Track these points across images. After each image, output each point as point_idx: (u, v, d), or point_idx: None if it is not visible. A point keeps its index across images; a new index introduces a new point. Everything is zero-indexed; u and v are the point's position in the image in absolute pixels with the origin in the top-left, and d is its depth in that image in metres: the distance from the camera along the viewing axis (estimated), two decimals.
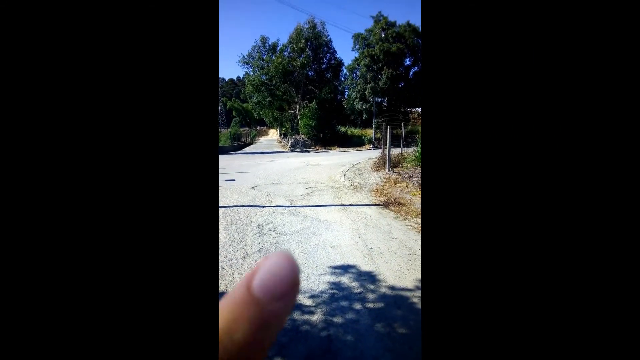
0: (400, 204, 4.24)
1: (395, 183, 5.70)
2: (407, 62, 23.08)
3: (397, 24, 22.43)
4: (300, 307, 1.85)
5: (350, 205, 4.29)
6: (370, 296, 1.97)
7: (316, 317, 1.75)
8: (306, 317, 1.76)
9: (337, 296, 1.97)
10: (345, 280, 2.18)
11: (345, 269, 2.35)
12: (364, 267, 2.37)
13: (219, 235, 3.08)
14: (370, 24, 23.94)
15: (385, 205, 4.25)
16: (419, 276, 2.22)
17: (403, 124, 9.42)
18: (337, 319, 1.74)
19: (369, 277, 2.21)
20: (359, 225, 3.39)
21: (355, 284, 2.13)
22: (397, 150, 8.81)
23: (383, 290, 2.04)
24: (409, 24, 22.40)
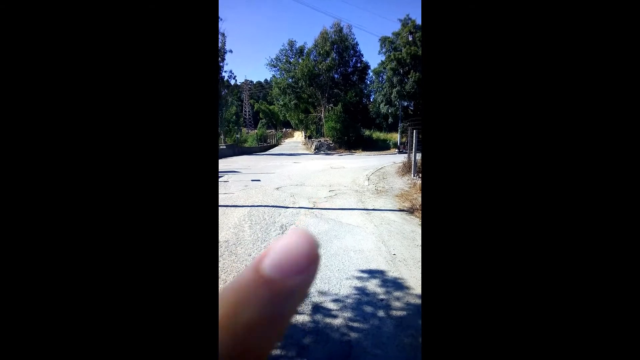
0: None
1: (421, 189, 5.57)
2: None
3: None
4: (322, 310, 1.84)
5: (373, 209, 4.24)
6: (394, 304, 1.93)
7: (338, 322, 1.74)
8: (328, 320, 1.75)
9: (359, 301, 1.95)
10: (368, 285, 2.15)
11: (368, 274, 2.32)
12: (387, 274, 2.33)
13: (244, 233, 3.15)
14: (397, 27, 23.67)
15: (410, 211, 4.16)
16: None
17: (421, 127, 9.19)
18: (359, 325, 1.72)
19: (393, 284, 2.17)
20: (382, 230, 3.34)
21: (378, 290, 2.09)
22: None
23: (407, 298, 1.99)
24: None
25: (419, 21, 21.93)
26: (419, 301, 1.96)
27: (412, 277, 2.28)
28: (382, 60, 24.09)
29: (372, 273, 2.34)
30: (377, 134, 23.07)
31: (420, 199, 4.77)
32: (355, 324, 1.72)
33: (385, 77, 23.42)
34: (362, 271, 2.36)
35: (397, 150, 18.04)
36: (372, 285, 2.16)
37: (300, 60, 22.67)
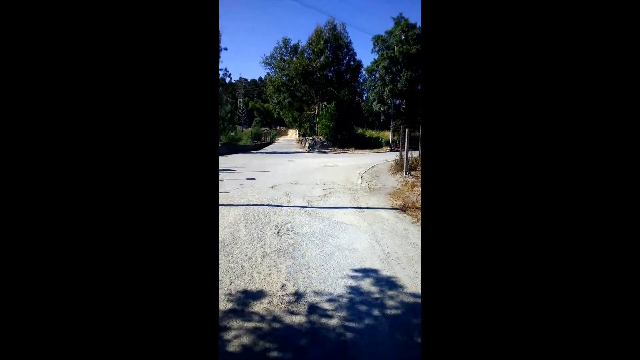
0: (417, 208, 4.18)
1: (413, 187, 5.62)
2: None
3: (418, 26, 22.12)
4: (318, 310, 1.86)
5: (367, 208, 4.27)
6: (388, 302, 1.95)
7: (334, 322, 1.76)
8: (324, 320, 1.77)
9: (354, 301, 1.97)
10: (363, 285, 2.17)
11: (363, 273, 2.34)
12: (382, 273, 2.35)
13: (240, 233, 3.14)
14: (390, 25, 23.70)
15: (403, 209, 4.20)
16: None
17: (421, 127, 9.26)
18: (355, 324, 1.74)
19: (387, 283, 2.20)
20: (376, 228, 3.37)
21: (372, 289, 2.12)
22: (415, 154, 8.67)
23: (401, 297, 2.02)
24: None
25: (411, 20, 22.04)
26: (412, 300, 1.98)
27: (406, 275, 2.31)
28: (374, 59, 24.12)
29: (367, 272, 2.36)
30: (370, 132, 23.14)
31: (412, 196, 4.81)
32: (351, 324, 1.74)
33: (377, 75, 23.48)
34: (357, 270, 2.38)
35: (389, 148, 18.13)
36: (367, 284, 2.18)
37: (294, 58, 22.56)
